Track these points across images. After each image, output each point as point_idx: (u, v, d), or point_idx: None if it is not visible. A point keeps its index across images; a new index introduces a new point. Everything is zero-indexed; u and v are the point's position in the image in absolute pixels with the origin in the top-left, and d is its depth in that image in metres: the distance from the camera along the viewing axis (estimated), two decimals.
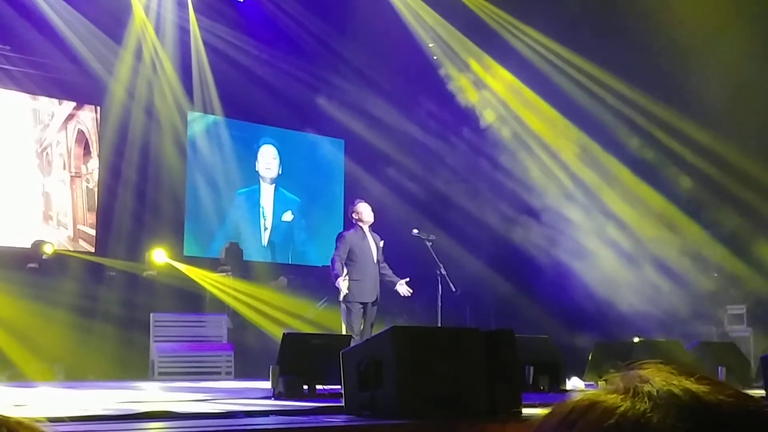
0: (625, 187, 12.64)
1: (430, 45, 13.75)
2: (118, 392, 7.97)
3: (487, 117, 13.50)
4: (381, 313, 9.55)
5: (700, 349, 9.84)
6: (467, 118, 13.61)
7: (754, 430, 0.72)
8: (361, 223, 9.15)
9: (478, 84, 13.53)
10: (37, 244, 11.09)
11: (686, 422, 0.71)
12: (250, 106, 13.14)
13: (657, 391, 0.74)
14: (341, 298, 8.98)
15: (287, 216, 14.13)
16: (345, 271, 8.89)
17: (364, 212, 9.19)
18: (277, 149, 14.13)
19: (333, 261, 9.04)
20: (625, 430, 0.72)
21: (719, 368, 8.97)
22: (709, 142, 11.85)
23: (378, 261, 9.16)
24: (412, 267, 11.58)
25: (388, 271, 9.25)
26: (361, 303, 8.99)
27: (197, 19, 12.90)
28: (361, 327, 8.92)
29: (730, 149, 11.77)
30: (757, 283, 11.66)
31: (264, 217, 13.95)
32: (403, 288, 9.18)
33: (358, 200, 9.48)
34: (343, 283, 8.83)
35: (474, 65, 13.49)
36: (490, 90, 13.50)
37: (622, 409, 0.74)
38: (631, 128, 12.48)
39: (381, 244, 9.27)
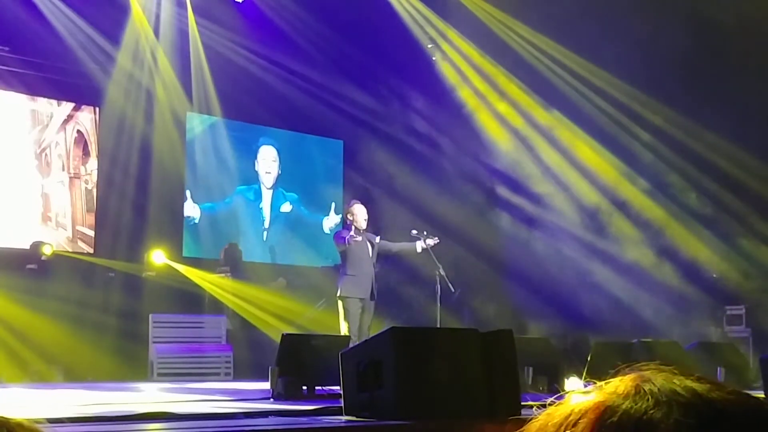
0: (622, 184, 12.64)
1: (429, 46, 13.76)
2: (118, 393, 7.97)
3: (481, 116, 13.53)
4: (380, 314, 9.56)
5: (699, 349, 9.83)
6: (466, 116, 13.60)
7: (756, 427, 0.72)
8: (355, 225, 9.18)
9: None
10: (36, 245, 11.07)
11: (689, 418, 0.71)
12: (248, 107, 13.13)
13: (659, 389, 0.74)
14: (338, 294, 9.03)
15: (286, 207, 14.08)
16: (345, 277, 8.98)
17: (358, 214, 9.23)
18: (277, 150, 14.11)
19: (343, 233, 9.19)
20: (628, 427, 0.72)
21: (718, 369, 8.97)
22: (705, 137, 11.85)
23: (374, 260, 9.21)
24: (412, 267, 11.61)
25: (396, 244, 9.52)
26: (359, 299, 9.02)
27: (196, 20, 12.89)
28: (359, 326, 8.95)
29: (726, 146, 11.77)
30: (757, 284, 11.65)
31: (263, 217, 13.94)
32: (423, 243, 9.25)
33: (353, 201, 9.51)
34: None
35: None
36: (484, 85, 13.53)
37: (624, 407, 0.74)
38: (628, 124, 12.49)
39: (377, 240, 9.31)
